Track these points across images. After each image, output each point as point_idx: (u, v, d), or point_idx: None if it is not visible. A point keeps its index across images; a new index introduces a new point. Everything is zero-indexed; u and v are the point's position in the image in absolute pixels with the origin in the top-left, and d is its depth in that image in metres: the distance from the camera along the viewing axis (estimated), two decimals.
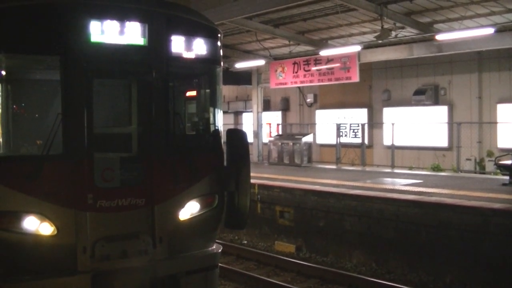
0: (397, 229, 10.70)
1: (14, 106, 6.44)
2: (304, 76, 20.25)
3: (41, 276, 5.15)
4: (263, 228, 13.63)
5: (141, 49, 5.75)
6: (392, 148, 18.32)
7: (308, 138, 20.37)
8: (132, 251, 5.49)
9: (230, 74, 21.85)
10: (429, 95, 19.80)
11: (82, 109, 5.35)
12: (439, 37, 15.36)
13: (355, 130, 21.98)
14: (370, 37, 17.61)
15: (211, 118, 6.67)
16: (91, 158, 5.40)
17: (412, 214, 10.49)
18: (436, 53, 16.88)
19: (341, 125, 21.50)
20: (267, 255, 11.82)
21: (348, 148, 20.76)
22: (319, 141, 23.22)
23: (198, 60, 6.28)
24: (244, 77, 23.44)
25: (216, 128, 6.65)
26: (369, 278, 9.94)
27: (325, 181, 14.30)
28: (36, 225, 5.14)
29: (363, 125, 20.42)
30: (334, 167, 19.54)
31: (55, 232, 5.20)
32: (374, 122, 21.72)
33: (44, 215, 5.15)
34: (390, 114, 20.96)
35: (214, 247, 6.43)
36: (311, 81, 20.34)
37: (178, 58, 6.06)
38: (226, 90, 27.37)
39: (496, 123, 17.80)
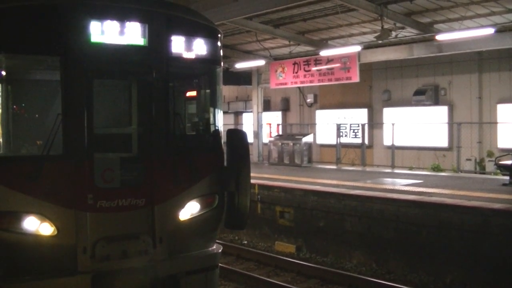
0: (397, 229, 10.70)
1: (14, 106, 6.44)
2: (304, 76, 20.25)
3: (41, 277, 5.15)
4: (263, 228, 13.63)
5: (141, 50, 5.74)
6: (392, 148, 18.32)
7: (308, 138, 20.37)
8: (132, 252, 5.49)
9: (230, 74, 21.86)
10: (429, 95, 19.80)
11: (82, 109, 5.35)
12: (439, 37, 15.37)
13: (355, 130, 21.99)
14: (370, 37, 17.61)
15: (211, 118, 6.67)
16: (91, 158, 5.40)
17: (412, 214, 10.48)
18: (436, 53, 16.89)
19: (341, 125, 21.51)
20: (267, 255, 11.82)
21: (348, 148, 20.77)
22: (319, 141, 23.22)
23: (198, 60, 6.27)
24: (244, 77, 23.44)
25: (216, 128, 6.65)
26: (369, 278, 9.94)
27: (325, 181, 14.30)
28: (36, 225, 5.14)
29: (363, 125, 20.43)
30: (334, 167, 19.54)
31: (55, 233, 5.20)
32: (374, 122, 21.72)
33: (44, 216, 5.15)
34: (390, 114, 20.97)
35: (214, 247, 6.43)
36: (311, 81, 20.34)
37: (178, 58, 6.06)
38: (226, 90, 27.37)
39: (496, 123, 17.81)
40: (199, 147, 6.60)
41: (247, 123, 26.59)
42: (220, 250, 6.45)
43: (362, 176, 15.61)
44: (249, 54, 21.88)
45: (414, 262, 10.34)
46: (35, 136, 6.11)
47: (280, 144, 20.66)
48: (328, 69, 19.33)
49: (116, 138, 6.45)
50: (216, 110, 6.70)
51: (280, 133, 23.16)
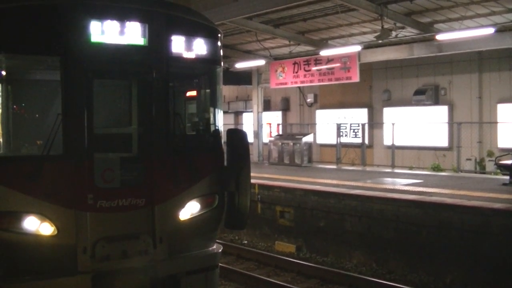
0: (397, 229, 10.70)
1: (15, 106, 6.44)
2: (304, 76, 20.24)
3: (41, 277, 5.15)
4: (263, 228, 13.63)
5: (141, 49, 5.74)
6: (393, 148, 18.31)
7: (308, 138, 20.37)
8: (132, 252, 5.49)
9: (230, 74, 21.84)
10: (429, 95, 19.80)
11: (82, 109, 5.35)
12: (439, 37, 15.36)
13: (355, 130, 21.98)
14: (370, 37, 17.60)
15: (211, 118, 6.67)
16: (91, 158, 5.40)
17: (413, 214, 10.48)
18: (437, 53, 16.88)
19: (342, 125, 21.50)
20: (267, 255, 11.82)
21: (348, 148, 20.76)
22: (320, 141, 23.22)
23: (198, 60, 6.27)
24: (244, 77, 23.43)
25: (216, 128, 6.65)
26: (369, 278, 9.94)
27: (326, 181, 14.29)
28: (36, 225, 5.14)
29: (363, 125, 20.43)
30: (334, 167, 19.53)
31: (56, 232, 5.20)
32: (374, 122, 21.72)
33: (44, 215, 5.15)
34: (390, 114, 20.97)
35: (215, 247, 6.43)
36: (311, 81, 20.34)
37: (178, 58, 6.06)
38: (226, 90, 27.37)
39: (496, 123, 17.81)
40: (199, 147, 6.60)
41: (247, 123, 26.58)
42: (220, 250, 6.45)
43: (362, 176, 15.61)
44: (249, 54, 21.87)
45: (414, 262, 10.34)
46: (35, 136, 6.12)
47: (280, 144, 20.66)
48: (328, 69, 19.32)
49: (116, 138, 6.45)
50: (216, 110, 6.70)
51: (280, 133, 23.16)
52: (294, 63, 20.51)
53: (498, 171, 15.61)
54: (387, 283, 9.57)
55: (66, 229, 5.23)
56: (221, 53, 6.70)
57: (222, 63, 6.78)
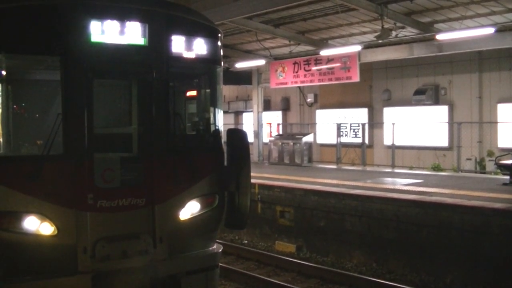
0: (397, 229, 10.69)
1: (15, 106, 6.45)
2: (305, 76, 20.24)
3: (41, 276, 5.15)
4: (264, 228, 13.63)
5: (142, 49, 5.74)
6: (393, 148, 18.31)
7: (308, 138, 20.37)
8: (132, 251, 5.49)
9: (230, 74, 21.83)
10: (430, 95, 19.80)
11: (82, 109, 5.35)
12: (440, 37, 15.36)
13: (356, 130, 21.98)
14: (370, 37, 17.61)
15: (212, 118, 6.68)
16: (92, 158, 5.40)
17: (413, 214, 10.48)
18: (437, 53, 16.87)
19: (342, 125, 21.51)
20: (267, 255, 11.81)
21: (348, 148, 20.75)
22: (320, 141, 23.22)
23: (199, 60, 6.27)
24: (244, 77, 23.42)
25: (217, 128, 6.65)
26: (369, 278, 9.93)
27: (326, 181, 14.29)
28: (36, 225, 5.14)
29: (363, 125, 20.43)
30: (334, 167, 19.53)
31: (56, 232, 5.20)
32: (375, 122, 21.72)
33: (44, 215, 5.15)
34: (390, 114, 20.97)
35: (215, 247, 6.43)
36: (311, 81, 20.33)
37: (179, 58, 6.06)
38: (227, 90, 27.37)
39: (496, 122, 17.81)
40: (199, 147, 6.61)
41: (247, 122, 26.58)
42: (220, 250, 6.45)
43: (362, 176, 15.61)
44: (249, 54, 21.87)
45: (415, 262, 10.34)
46: (35, 136, 6.12)
47: (280, 143, 20.66)
48: (328, 68, 19.32)
49: (116, 138, 6.46)
50: (216, 109, 6.70)
51: (280, 132, 23.16)
52: (294, 63, 20.51)
53: (498, 171, 15.61)
54: (387, 283, 9.56)
55: (66, 229, 5.23)
56: (221, 53, 6.70)
57: (222, 63, 6.78)
